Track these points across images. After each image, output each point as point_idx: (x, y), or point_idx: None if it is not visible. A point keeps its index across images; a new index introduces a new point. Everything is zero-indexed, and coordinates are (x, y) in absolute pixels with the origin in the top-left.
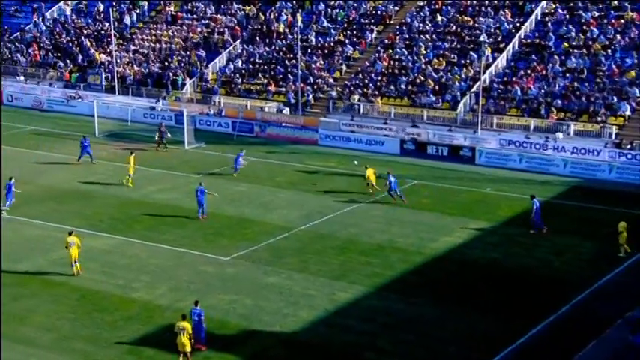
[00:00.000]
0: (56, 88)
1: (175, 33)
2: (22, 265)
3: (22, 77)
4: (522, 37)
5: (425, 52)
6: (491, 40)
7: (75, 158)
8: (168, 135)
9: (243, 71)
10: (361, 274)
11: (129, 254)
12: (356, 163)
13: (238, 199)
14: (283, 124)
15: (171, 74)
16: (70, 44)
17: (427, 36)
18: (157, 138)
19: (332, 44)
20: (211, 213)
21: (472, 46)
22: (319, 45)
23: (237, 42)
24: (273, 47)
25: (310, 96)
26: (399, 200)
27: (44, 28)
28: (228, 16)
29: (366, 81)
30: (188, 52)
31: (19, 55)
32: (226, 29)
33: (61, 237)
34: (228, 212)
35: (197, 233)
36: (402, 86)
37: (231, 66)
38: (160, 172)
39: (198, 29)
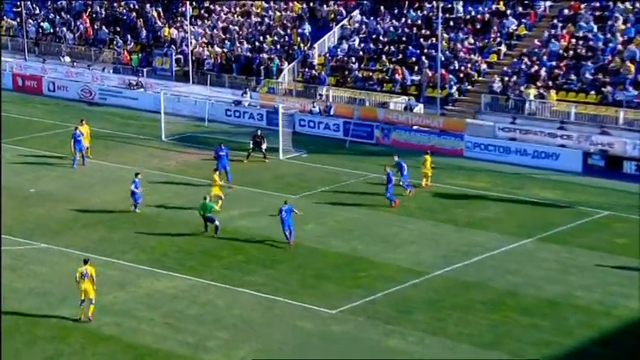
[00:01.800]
0: (111, 73)
1: (271, 3)
2: (61, 312)
3: (67, 58)
4: None
5: (623, 27)
6: None
7: (147, 171)
8: (264, 145)
9: (361, 53)
10: (523, 342)
11: (202, 301)
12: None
13: (350, 230)
14: (415, 128)
15: (264, 58)
16: (131, 15)
17: (627, 4)
18: (250, 146)
19: (487, 16)
20: (313, 248)
21: None
22: (469, 17)
23: (355, 12)
24: (403, 20)
25: (454, 88)
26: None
27: None
28: None
29: (535, 68)
30: (287, 29)
31: (64, 30)
32: None
33: (112, 275)
34: (335, 247)
35: (293, 275)
36: (588, 75)
37: (345, 46)
38: (245, 189)
39: None
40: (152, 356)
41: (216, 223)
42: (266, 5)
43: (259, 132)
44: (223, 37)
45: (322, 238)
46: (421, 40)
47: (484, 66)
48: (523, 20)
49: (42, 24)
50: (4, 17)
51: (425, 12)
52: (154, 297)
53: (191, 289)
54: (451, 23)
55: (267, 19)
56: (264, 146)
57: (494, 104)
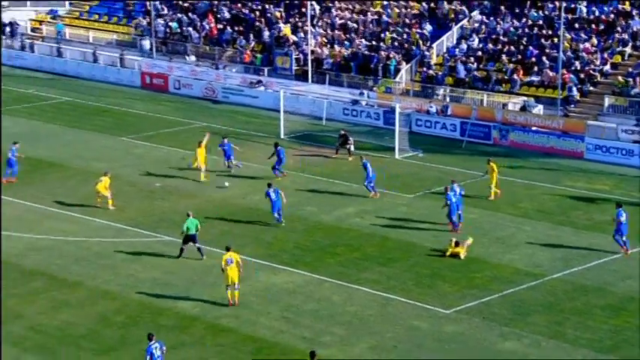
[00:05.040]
0: (234, 72)
1: (391, 1)
2: (184, 304)
3: (192, 57)
4: None
5: None
6: None
7: (259, 166)
8: (351, 147)
9: (479, 53)
10: None
11: (317, 297)
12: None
13: (465, 230)
14: (534, 129)
15: (382, 56)
16: (253, 15)
17: None
18: (337, 144)
19: (611, 16)
20: (428, 248)
21: None
22: (592, 17)
23: (475, 12)
24: (524, 20)
25: (575, 89)
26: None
27: None
28: None
29: None
30: (407, 28)
31: (190, 29)
32: None
33: None
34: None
35: (408, 274)
36: None
37: (464, 46)
38: (361, 187)
39: None
40: (270, 349)
41: (198, 245)
42: (385, 3)
43: (342, 131)
44: (343, 36)
45: (438, 238)
46: (542, 40)
47: (607, 67)
48: None
49: (170, 24)
50: (135, 17)
51: (547, 12)
52: (272, 291)
53: (307, 285)
54: (576, 25)
55: (385, 17)
56: (347, 146)
57: (617, 106)
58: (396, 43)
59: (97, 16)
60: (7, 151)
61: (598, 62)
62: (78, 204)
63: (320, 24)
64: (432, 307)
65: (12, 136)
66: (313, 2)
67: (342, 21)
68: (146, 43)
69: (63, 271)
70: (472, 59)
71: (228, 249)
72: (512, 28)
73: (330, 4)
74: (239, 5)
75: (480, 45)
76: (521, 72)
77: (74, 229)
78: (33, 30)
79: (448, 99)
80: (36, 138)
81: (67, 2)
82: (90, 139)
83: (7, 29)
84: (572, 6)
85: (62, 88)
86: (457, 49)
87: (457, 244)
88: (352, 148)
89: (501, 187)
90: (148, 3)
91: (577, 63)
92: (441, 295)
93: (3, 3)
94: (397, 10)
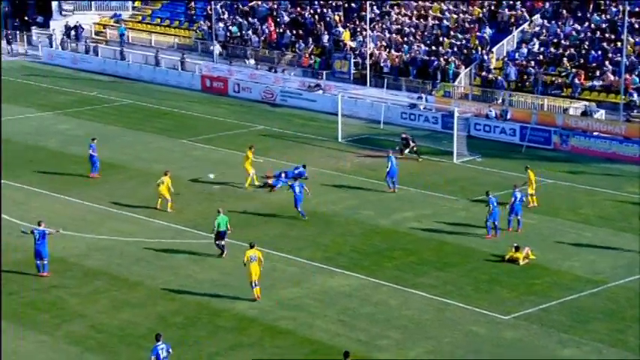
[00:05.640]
0: (292, 76)
1: (450, 6)
2: (241, 304)
3: (252, 61)
4: None
5: None
6: None
7: (315, 169)
8: (415, 148)
9: (540, 57)
10: None
11: (374, 300)
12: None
13: (525, 235)
14: (595, 134)
15: (441, 61)
16: (312, 19)
17: None
18: (401, 147)
19: None
20: (486, 253)
21: None
22: None
23: (536, 16)
24: (587, 24)
25: (637, 94)
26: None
27: None
28: None
29: None
30: (466, 32)
31: (250, 33)
32: (519, 1)
33: (289, 271)
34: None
35: (466, 279)
36: None
37: (524, 50)
38: (418, 192)
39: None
40: (327, 352)
41: (223, 242)
42: (444, 7)
43: (403, 134)
44: (401, 40)
45: (495, 243)
46: (604, 44)
47: None
48: None
49: (230, 28)
50: (197, 21)
51: (609, 16)
52: (329, 294)
53: (364, 288)
54: (638, 27)
55: (445, 22)
56: (408, 149)
57: None
58: (455, 48)
59: (159, 20)
60: (88, 147)
61: None
62: (138, 205)
63: (378, 28)
64: (490, 312)
65: (76, 138)
66: (373, 6)
67: (399, 26)
68: (215, 48)
69: (124, 271)
70: (533, 63)
71: (252, 246)
72: (574, 32)
73: (390, 9)
74: (298, 9)
75: (541, 49)
76: (583, 76)
77: (134, 229)
78: (97, 33)
79: (507, 103)
80: (99, 140)
81: (130, 5)
82: (150, 141)
83: (72, 33)
84: (637, 9)
85: (124, 90)
86: (517, 53)
87: (517, 249)
88: (414, 149)
89: (560, 192)
90: (209, 7)
91: None
92: (500, 300)
93: (67, 7)
94: (455, 16)
